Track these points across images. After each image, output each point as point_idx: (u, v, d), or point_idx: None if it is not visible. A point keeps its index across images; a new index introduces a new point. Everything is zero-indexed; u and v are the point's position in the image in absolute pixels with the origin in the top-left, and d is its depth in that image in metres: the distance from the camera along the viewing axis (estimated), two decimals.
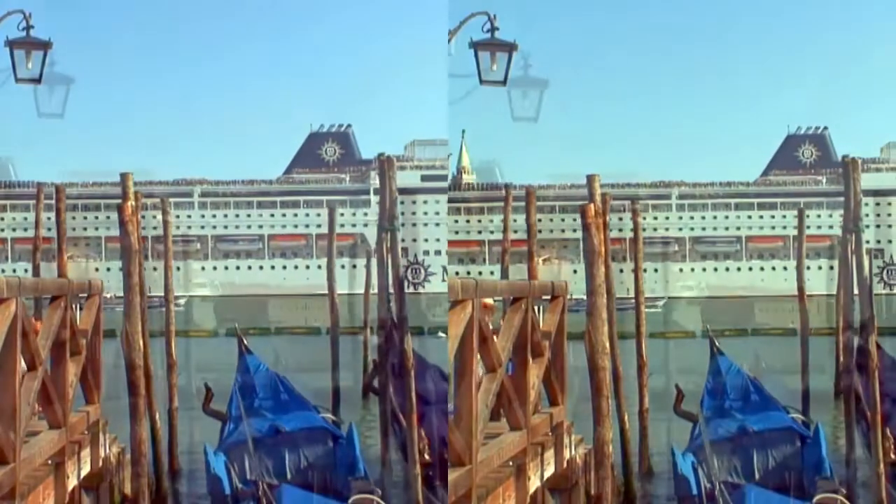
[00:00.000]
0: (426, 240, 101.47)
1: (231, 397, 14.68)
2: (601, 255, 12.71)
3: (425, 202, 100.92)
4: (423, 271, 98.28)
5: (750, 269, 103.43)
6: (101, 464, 12.66)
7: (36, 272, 17.05)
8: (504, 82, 13.60)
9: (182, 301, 56.19)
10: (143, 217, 14.06)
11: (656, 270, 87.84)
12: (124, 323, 14.54)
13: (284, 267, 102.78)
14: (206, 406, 14.55)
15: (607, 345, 12.97)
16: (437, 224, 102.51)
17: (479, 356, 8.89)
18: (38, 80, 13.81)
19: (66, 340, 11.02)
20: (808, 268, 21.55)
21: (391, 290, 12.89)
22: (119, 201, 12.95)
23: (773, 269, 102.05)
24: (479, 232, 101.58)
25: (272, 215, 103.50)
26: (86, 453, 11.82)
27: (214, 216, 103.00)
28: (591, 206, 13.25)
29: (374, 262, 14.88)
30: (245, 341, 15.50)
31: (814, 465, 13.90)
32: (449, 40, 13.33)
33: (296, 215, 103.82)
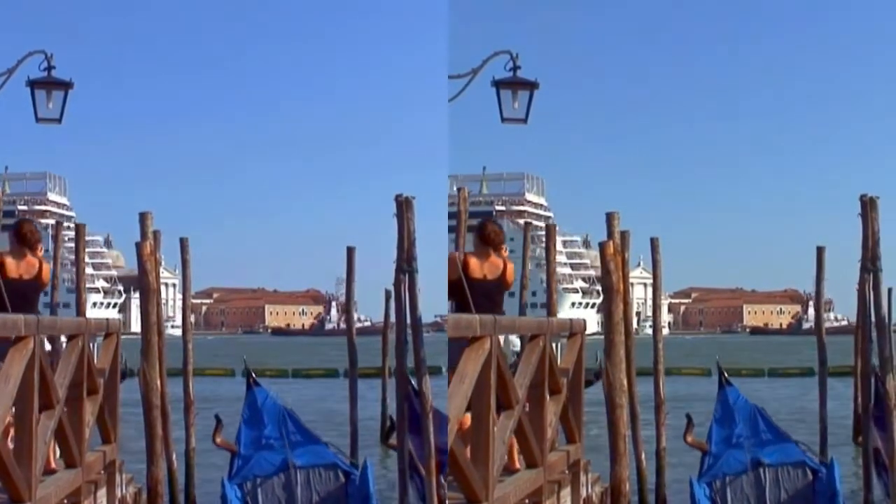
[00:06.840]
0: None
1: (239, 430, 14.60)
2: (619, 292, 12.68)
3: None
4: None
5: None
6: None
7: (53, 311, 17.07)
8: (525, 120, 13.61)
9: None
10: None
11: None
12: (142, 362, 14.55)
13: None
14: (216, 438, 14.46)
15: (625, 382, 12.94)
16: None
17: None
18: (58, 121, 13.89)
19: (83, 379, 11.01)
20: None
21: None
22: None
23: None
24: None
25: None
26: (102, 493, 11.78)
27: None
28: (611, 243, 13.23)
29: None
30: (253, 374, 15.39)
31: (827, 499, 13.80)
32: (470, 79, 13.33)
33: None
